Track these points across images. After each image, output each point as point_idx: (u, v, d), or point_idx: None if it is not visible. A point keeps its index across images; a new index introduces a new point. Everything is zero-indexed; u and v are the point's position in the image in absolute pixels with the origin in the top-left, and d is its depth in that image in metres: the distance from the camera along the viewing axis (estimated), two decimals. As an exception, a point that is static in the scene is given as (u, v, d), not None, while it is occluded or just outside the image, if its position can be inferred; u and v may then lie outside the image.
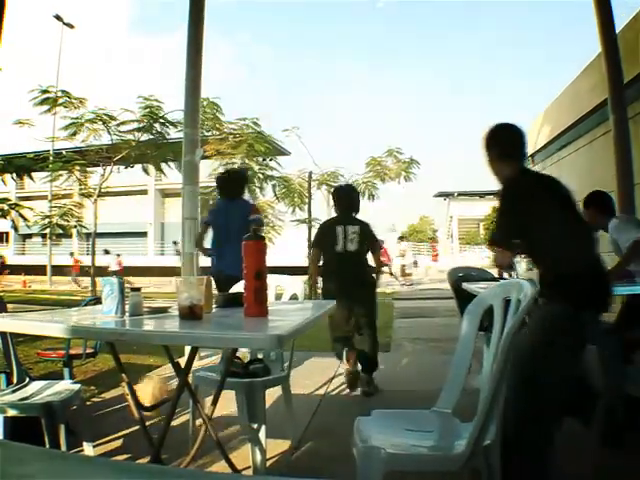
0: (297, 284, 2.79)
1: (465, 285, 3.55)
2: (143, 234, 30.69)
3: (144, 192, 30.54)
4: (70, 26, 20.73)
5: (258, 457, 2.31)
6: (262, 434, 2.33)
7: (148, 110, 10.10)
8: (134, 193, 29.25)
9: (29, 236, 30.87)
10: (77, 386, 2.53)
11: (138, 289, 1.73)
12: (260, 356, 2.73)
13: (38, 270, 24.05)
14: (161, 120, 10.18)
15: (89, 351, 3.79)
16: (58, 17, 20.03)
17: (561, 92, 9.39)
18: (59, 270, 22.56)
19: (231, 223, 3.96)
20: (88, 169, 11.75)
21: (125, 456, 2.74)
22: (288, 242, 11.39)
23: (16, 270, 22.65)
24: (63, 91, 10.69)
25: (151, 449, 2.69)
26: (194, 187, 4.95)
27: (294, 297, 2.77)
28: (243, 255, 1.64)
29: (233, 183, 4.24)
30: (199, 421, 2.52)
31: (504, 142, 2.32)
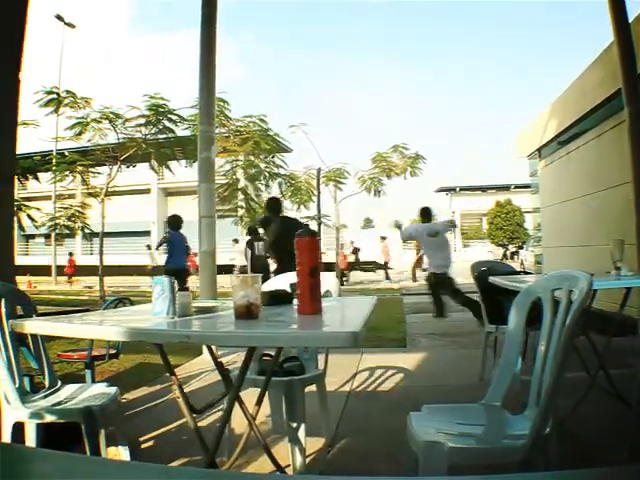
0: (331, 280, 2.75)
1: (492, 279, 3.53)
2: (146, 233, 30.61)
3: (147, 191, 30.47)
4: (71, 26, 20.64)
5: (298, 456, 2.28)
6: (301, 433, 2.30)
7: (154, 107, 10.02)
8: (137, 192, 29.16)
9: (32, 237, 30.85)
10: (113, 389, 2.42)
11: (186, 289, 1.69)
12: (293, 354, 2.70)
13: (41, 270, 24.04)
14: (169, 115, 10.09)
15: (111, 352, 3.76)
16: (59, 17, 19.94)
17: (568, 86, 9.33)
18: (63, 270, 22.56)
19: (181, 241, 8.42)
20: (94, 169, 11.69)
21: (158, 459, 2.70)
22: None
23: (20, 271, 22.59)
24: (68, 91, 10.62)
25: (185, 450, 2.69)
26: (210, 185, 4.91)
27: (326, 294, 2.73)
28: (296, 251, 1.60)
29: (178, 222, 8.60)
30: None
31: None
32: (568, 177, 9.59)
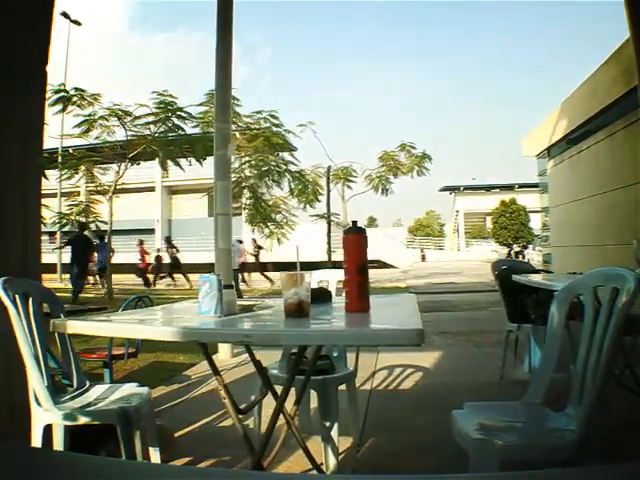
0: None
1: (516, 277, 3.52)
2: (150, 231, 30.61)
3: (151, 189, 30.49)
4: (77, 23, 20.62)
5: (331, 455, 2.26)
6: (334, 432, 2.28)
7: (163, 105, 10.00)
8: (141, 190, 29.15)
9: (36, 235, 30.81)
10: (145, 389, 2.33)
11: (231, 286, 1.67)
12: (322, 352, 2.68)
13: (45, 268, 23.93)
14: (178, 113, 10.06)
15: (131, 351, 3.73)
16: (65, 14, 19.89)
17: (579, 86, 9.31)
18: (67, 268, 22.51)
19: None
20: (102, 166, 11.68)
21: (186, 460, 2.67)
22: (302, 238, 11.33)
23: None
24: (76, 89, 10.60)
25: (214, 450, 2.67)
26: (226, 182, 4.88)
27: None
28: (343, 248, 1.58)
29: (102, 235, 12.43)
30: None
31: None
32: (578, 176, 9.57)
